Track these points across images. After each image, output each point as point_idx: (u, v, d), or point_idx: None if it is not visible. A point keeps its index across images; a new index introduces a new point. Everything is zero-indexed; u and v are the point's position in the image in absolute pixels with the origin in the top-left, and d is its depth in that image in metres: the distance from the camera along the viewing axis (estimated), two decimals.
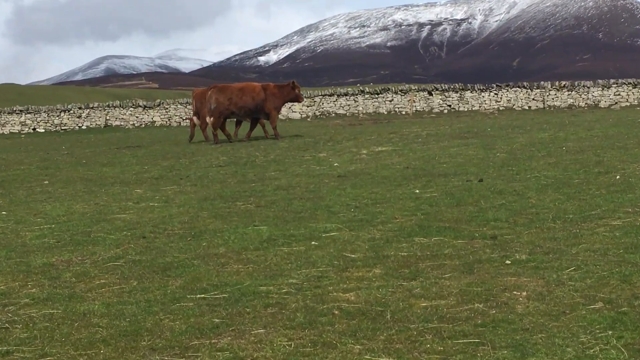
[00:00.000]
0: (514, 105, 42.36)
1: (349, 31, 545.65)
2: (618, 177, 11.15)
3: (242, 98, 24.15)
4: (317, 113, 44.35)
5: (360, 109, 44.16)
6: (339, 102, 44.50)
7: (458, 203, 9.87)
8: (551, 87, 42.85)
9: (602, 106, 40.83)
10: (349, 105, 44.45)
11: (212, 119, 24.18)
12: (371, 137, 21.73)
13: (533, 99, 42.53)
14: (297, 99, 24.94)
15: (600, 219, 8.35)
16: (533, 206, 9.37)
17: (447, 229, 8.17)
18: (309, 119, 41.86)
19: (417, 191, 11.05)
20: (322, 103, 44.49)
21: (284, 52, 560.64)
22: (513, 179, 11.68)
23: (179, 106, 45.36)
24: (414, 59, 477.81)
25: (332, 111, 44.32)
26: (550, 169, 12.45)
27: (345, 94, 44.63)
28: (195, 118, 26.43)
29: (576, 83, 42.93)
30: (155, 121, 44.82)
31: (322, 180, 13.02)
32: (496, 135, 19.55)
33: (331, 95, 44.77)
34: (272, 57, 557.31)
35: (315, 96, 44.82)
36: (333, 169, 14.73)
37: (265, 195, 11.68)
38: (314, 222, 9.04)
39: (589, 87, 42.55)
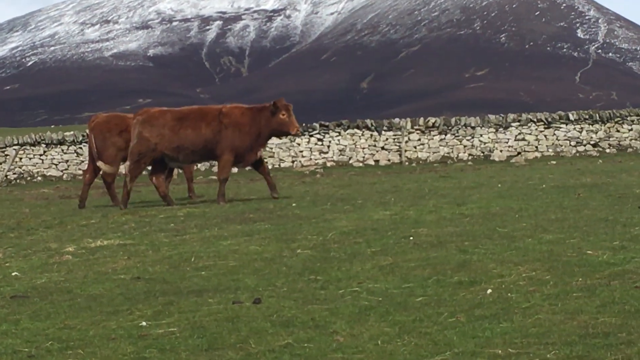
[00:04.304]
0: (351, 158, 29.67)
1: (81, 30, 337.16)
2: (489, 291, 7.54)
3: (179, 132, 15.81)
4: (12, 175, 29.74)
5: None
6: (50, 155, 29.83)
7: (211, 345, 6.36)
8: (412, 127, 29.70)
9: (497, 159, 29.21)
10: (66, 160, 29.83)
11: (126, 164, 16.23)
12: (90, 222, 14.62)
13: (383, 148, 29.70)
14: (285, 128, 15.80)
15: None
16: (335, 350, 5.96)
17: None
18: None
19: (145, 324, 7.19)
20: (22, 157, 29.72)
21: None
22: (314, 298, 7.67)
23: None
24: (196, 76, 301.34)
25: (39, 171, 29.69)
26: (381, 278, 8.28)
27: (61, 142, 29.88)
28: (101, 163, 17.32)
29: (453, 121, 29.83)
30: None
31: None
32: (304, 215, 13.69)
33: (37, 144, 29.75)
34: None
35: (8, 145, 29.85)
36: (8, 283, 9.69)
37: None
38: None
39: (474, 128, 29.51)
